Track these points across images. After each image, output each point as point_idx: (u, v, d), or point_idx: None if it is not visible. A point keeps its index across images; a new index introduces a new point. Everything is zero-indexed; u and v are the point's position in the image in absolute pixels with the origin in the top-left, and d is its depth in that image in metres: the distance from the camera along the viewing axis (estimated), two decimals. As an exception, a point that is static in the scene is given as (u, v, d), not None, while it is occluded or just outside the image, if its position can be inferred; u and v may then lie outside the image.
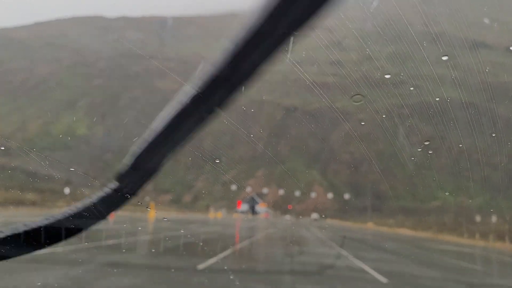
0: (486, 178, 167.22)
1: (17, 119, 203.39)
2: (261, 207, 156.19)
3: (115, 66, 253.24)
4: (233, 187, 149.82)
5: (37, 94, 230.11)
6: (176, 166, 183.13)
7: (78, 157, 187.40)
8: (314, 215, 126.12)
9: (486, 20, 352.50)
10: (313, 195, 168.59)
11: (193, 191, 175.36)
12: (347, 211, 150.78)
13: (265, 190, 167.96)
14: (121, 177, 1.34)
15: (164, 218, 42.21)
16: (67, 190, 36.98)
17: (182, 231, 29.31)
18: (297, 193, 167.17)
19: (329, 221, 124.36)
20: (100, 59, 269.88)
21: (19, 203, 34.02)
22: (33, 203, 32.40)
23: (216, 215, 69.13)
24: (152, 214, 37.95)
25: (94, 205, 1.25)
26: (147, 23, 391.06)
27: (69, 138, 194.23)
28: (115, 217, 35.18)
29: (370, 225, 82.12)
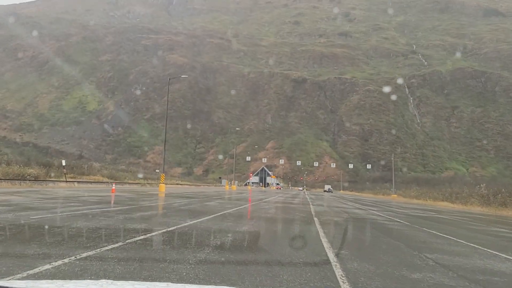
0: (499, 147, 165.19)
1: (28, 95, 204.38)
2: (272, 179, 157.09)
3: (123, 41, 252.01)
4: (244, 160, 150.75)
5: (47, 70, 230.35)
6: (186, 139, 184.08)
7: (89, 131, 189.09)
8: (327, 186, 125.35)
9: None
10: (323, 166, 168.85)
11: (204, 163, 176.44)
12: (358, 182, 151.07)
13: (275, 162, 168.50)
14: None
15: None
16: (63, 162, 36.69)
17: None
18: (308, 165, 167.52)
19: (342, 192, 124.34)
20: (109, 34, 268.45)
21: (22, 178, 34.38)
22: (36, 178, 32.57)
23: (231, 187, 69.19)
24: (162, 188, 33.33)
25: None
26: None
27: (79, 114, 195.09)
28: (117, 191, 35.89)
29: (394, 197, 78.13)
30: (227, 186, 69.10)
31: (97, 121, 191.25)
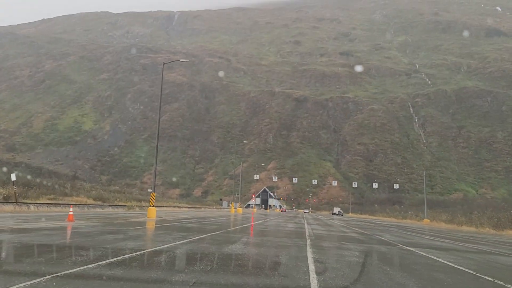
0: (508, 168, 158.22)
1: (22, 114, 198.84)
2: (274, 200, 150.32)
3: (121, 60, 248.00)
4: (244, 180, 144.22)
5: (43, 89, 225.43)
6: (185, 159, 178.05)
7: (84, 151, 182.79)
8: (337, 209, 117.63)
9: (499, 8, 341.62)
10: (327, 188, 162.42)
11: (203, 184, 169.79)
12: (364, 204, 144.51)
13: (277, 183, 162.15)
14: None
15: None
16: (13, 177, 27.66)
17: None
18: (311, 186, 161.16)
19: (352, 215, 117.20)
20: (107, 53, 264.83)
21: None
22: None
23: (237, 210, 61.30)
24: (152, 212, 25.50)
25: None
26: (153, 18, 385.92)
27: (75, 133, 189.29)
28: (77, 218, 29.23)
29: (427, 222, 66.23)
30: (233, 209, 61.62)
31: (93, 141, 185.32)
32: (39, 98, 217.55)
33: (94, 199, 40.89)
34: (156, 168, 26.42)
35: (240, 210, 63.27)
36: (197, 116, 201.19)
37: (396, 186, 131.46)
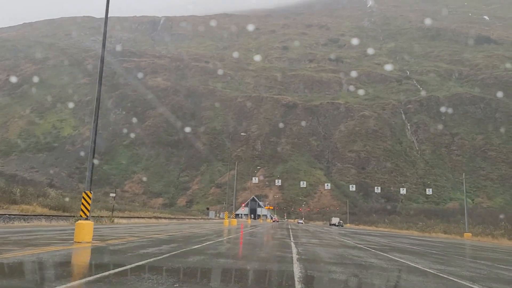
0: (504, 176, 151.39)
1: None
2: (263, 210, 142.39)
3: (104, 64, 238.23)
4: (231, 189, 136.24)
5: (20, 94, 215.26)
6: (168, 167, 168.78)
7: (62, 158, 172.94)
8: (336, 219, 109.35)
9: (486, 17, 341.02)
10: (318, 196, 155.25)
11: (188, 193, 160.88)
12: (357, 214, 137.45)
13: (266, 192, 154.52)
14: None
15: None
16: None
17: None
18: (302, 195, 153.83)
19: (349, 226, 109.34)
20: (88, 57, 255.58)
21: None
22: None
23: (230, 222, 50.36)
24: (85, 232, 14.55)
25: None
26: (138, 23, 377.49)
27: (53, 139, 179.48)
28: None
29: (468, 236, 53.61)
30: (226, 220, 51.08)
31: (71, 147, 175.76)
32: (16, 102, 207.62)
33: (50, 208, 33.04)
34: (93, 151, 16.49)
35: (235, 221, 54.18)
36: (182, 122, 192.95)
37: (386, 195, 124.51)
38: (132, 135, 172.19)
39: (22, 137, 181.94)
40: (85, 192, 15.90)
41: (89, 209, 15.68)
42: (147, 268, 9.34)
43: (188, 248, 14.88)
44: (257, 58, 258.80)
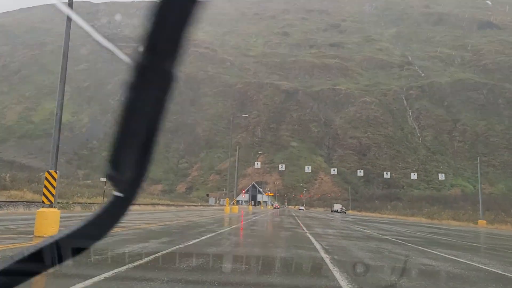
0: (506, 162, 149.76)
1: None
2: (264, 196, 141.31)
3: (102, 49, 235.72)
4: (232, 176, 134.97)
5: (18, 79, 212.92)
6: (168, 153, 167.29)
7: (60, 145, 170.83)
8: (338, 206, 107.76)
9: (489, 2, 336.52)
10: (319, 183, 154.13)
11: (187, 180, 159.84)
12: (358, 200, 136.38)
13: (267, 179, 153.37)
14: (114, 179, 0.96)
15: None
16: None
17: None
18: (302, 182, 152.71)
19: (351, 212, 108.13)
20: (87, 43, 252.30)
21: None
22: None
23: (232, 209, 47.59)
24: (49, 222, 12.05)
25: (99, 217, 0.97)
26: (136, 8, 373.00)
27: (51, 125, 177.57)
28: None
29: (483, 224, 51.28)
30: (227, 206, 48.31)
31: (70, 133, 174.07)
32: (14, 88, 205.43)
33: (42, 195, 31.60)
34: (60, 122, 14.92)
35: (236, 208, 52.26)
36: (181, 108, 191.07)
37: (387, 181, 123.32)
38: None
39: (20, 124, 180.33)
40: (48, 172, 13.31)
41: (53, 193, 13.08)
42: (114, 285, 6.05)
43: (182, 245, 11.69)
44: (258, 45, 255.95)
